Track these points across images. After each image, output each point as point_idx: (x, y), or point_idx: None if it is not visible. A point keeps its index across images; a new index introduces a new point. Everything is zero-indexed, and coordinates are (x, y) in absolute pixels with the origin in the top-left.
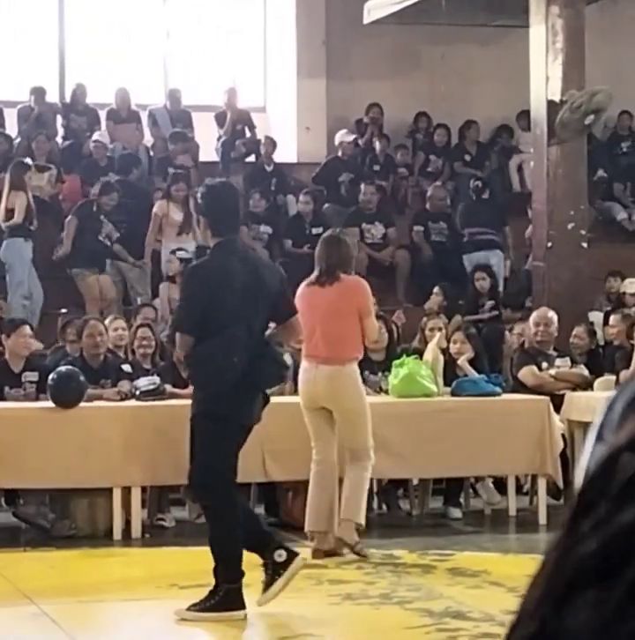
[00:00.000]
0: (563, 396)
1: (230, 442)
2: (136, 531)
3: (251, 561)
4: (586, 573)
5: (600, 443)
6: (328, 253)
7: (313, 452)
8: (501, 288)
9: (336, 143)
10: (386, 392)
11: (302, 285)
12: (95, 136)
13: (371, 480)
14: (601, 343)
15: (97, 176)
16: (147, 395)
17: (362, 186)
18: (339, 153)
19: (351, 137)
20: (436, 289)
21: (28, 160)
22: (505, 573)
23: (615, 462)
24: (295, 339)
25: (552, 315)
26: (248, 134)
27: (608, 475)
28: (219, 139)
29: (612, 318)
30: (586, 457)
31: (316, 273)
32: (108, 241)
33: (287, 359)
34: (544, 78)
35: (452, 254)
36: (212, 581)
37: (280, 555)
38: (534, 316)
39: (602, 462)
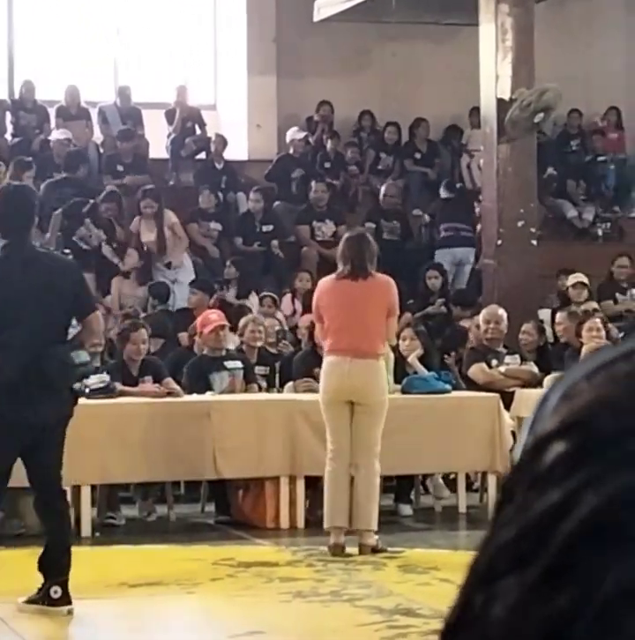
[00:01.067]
0: (513, 393)
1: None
2: (86, 529)
3: (202, 559)
4: (506, 559)
5: (531, 436)
6: (359, 248)
7: (330, 450)
8: (465, 285)
9: (287, 140)
10: None
11: (329, 278)
12: (55, 133)
13: (321, 477)
14: (551, 340)
15: (49, 173)
16: (97, 393)
17: (313, 184)
18: (291, 151)
19: (302, 135)
20: None
21: None
22: (455, 570)
23: (540, 450)
24: (93, 338)
25: (502, 312)
26: (198, 131)
27: (532, 463)
28: (169, 136)
29: (558, 316)
30: (519, 451)
31: (348, 268)
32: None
33: (84, 356)
34: (494, 77)
35: (408, 251)
36: (162, 579)
37: (56, 592)
38: (483, 313)
39: (528, 450)
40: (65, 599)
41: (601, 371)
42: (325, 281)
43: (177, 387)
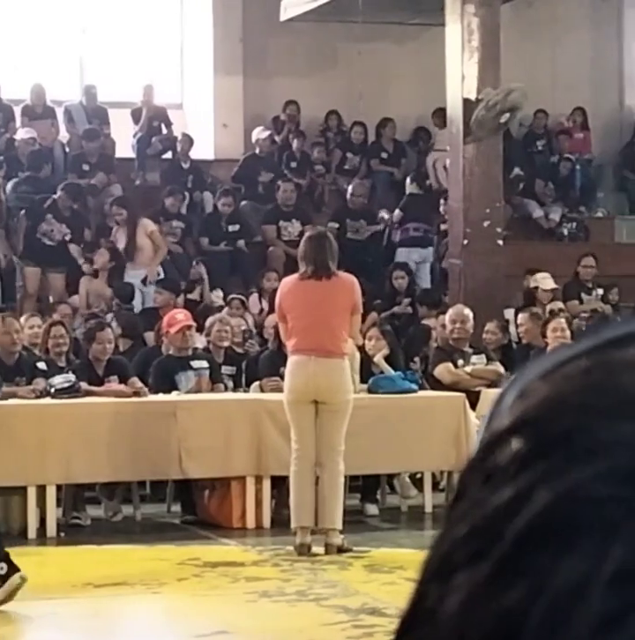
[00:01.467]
0: (478, 393)
1: None
2: (51, 529)
3: (168, 559)
4: (459, 555)
5: (486, 434)
6: (321, 248)
7: (294, 449)
8: (427, 285)
9: (253, 140)
10: None
11: (292, 278)
12: (20, 132)
13: (287, 477)
14: (515, 340)
15: (14, 172)
16: (62, 393)
17: (280, 183)
18: (257, 151)
19: (266, 134)
20: None
21: None
22: None
23: (493, 447)
24: None
25: (468, 312)
26: (164, 131)
27: (485, 459)
28: (135, 136)
29: (520, 317)
30: (474, 449)
31: (310, 268)
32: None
33: None
34: (460, 77)
35: (374, 251)
36: (127, 579)
37: (2, 568)
38: (450, 313)
39: (482, 447)
40: (13, 569)
41: (557, 370)
42: (288, 281)
43: (143, 387)
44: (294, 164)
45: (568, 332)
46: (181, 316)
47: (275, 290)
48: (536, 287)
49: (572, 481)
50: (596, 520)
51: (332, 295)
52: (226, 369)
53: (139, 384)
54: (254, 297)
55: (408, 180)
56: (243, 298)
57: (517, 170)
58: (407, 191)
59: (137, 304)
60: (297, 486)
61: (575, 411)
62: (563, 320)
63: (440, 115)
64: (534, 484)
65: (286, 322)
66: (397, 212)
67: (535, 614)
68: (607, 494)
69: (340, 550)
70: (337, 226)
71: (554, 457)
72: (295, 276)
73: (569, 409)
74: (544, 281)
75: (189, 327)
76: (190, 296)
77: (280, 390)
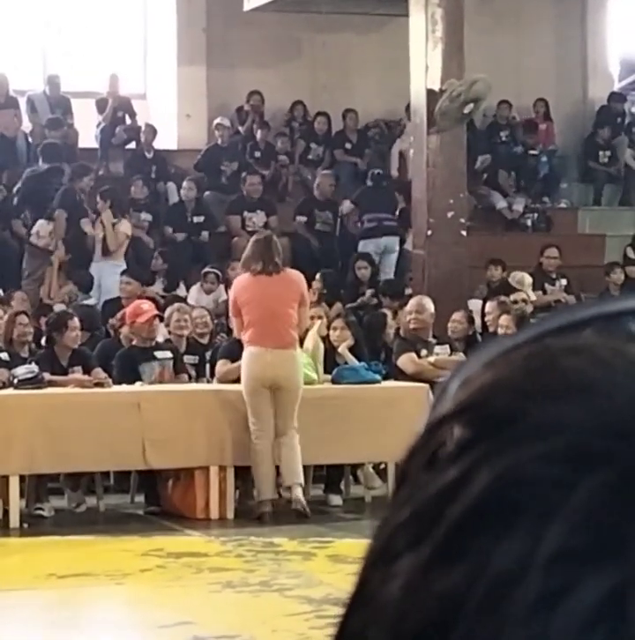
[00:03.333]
0: None
1: None
2: (14, 520)
3: (131, 550)
4: (402, 540)
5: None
6: (269, 247)
7: (255, 430)
8: (393, 275)
9: (214, 129)
10: None
11: (245, 276)
12: None
13: (251, 468)
14: (480, 331)
15: None
16: (26, 383)
17: (245, 175)
18: (218, 141)
19: (226, 123)
20: (317, 276)
21: None
22: None
23: (435, 431)
24: None
25: (426, 302)
26: (128, 121)
27: (427, 444)
28: (98, 126)
29: (488, 305)
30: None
31: (259, 265)
32: None
33: None
34: (424, 67)
35: (339, 241)
36: (91, 570)
37: None
38: (410, 303)
39: (424, 432)
40: None
41: (499, 358)
42: (242, 278)
43: (107, 377)
44: (258, 154)
45: (513, 329)
46: (146, 305)
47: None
48: (506, 279)
49: (511, 463)
50: (534, 501)
51: (283, 289)
52: (188, 359)
53: (103, 375)
54: (219, 288)
55: (376, 172)
56: (219, 272)
57: (480, 161)
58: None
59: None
60: (261, 462)
61: (515, 395)
62: (509, 317)
63: (405, 105)
64: (473, 467)
65: (240, 316)
66: (354, 201)
67: (474, 596)
68: (544, 476)
69: (304, 509)
70: (304, 219)
71: (493, 440)
72: (246, 274)
73: (509, 393)
74: (522, 280)
75: (156, 317)
76: (151, 288)
77: (231, 374)
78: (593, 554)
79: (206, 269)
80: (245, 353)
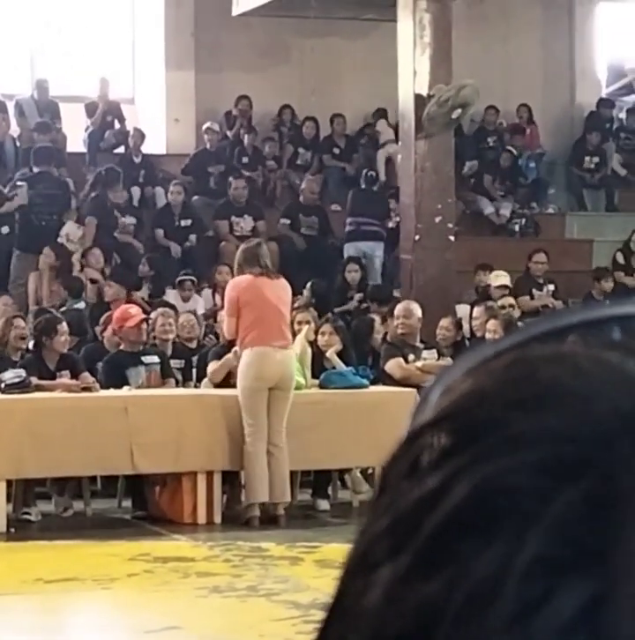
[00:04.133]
0: None
1: None
2: (1, 525)
3: (119, 554)
4: (381, 549)
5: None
6: (264, 253)
7: (251, 432)
8: (380, 280)
9: (203, 132)
10: None
11: (246, 277)
12: None
13: (238, 472)
14: (468, 336)
15: None
16: (13, 388)
17: (232, 180)
18: (207, 145)
19: (215, 127)
20: (307, 286)
21: None
22: None
23: (414, 440)
24: None
25: (414, 307)
26: (117, 125)
27: (407, 453)
28: (86, 130)
29: (476, 310)
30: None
31: (257, 269)
32: None
33: None
34: (412, 73)
35: (326, 246)
36: (78, 574)
37: None
38: (397, 308)
39: (404, 440)
40: None
41: (481, 367)
42: (243, 279)
43: (94, 381)
44: (245, 159)
45: (500, 334)
46: (134, 310)
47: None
48: (489, 285)
49: (490, 473)
50: (512, 511)
51: (281, 294)
52: (174, 363)
53: (91, 379)
54: (206, 292)
55: (370, 175)
56: (194, 279)
57: (468, 166)
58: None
59: None
60: (254, 463)
61: (494, 404)
62: (497, 322)
63: (394, 110)
64: (452, 476)
65: (236, 316)
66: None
67: (453, 606)
68: (523, 486)
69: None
70: (288, 222)
71: (473, 449)
72: (247, 275)
73: (488, 402)
74: (497, 278)
75: (144, 321)
76: (138, 293)
77: (220, 372)
78: (571, 563)
79: (181, 277)
80: (249, 353)
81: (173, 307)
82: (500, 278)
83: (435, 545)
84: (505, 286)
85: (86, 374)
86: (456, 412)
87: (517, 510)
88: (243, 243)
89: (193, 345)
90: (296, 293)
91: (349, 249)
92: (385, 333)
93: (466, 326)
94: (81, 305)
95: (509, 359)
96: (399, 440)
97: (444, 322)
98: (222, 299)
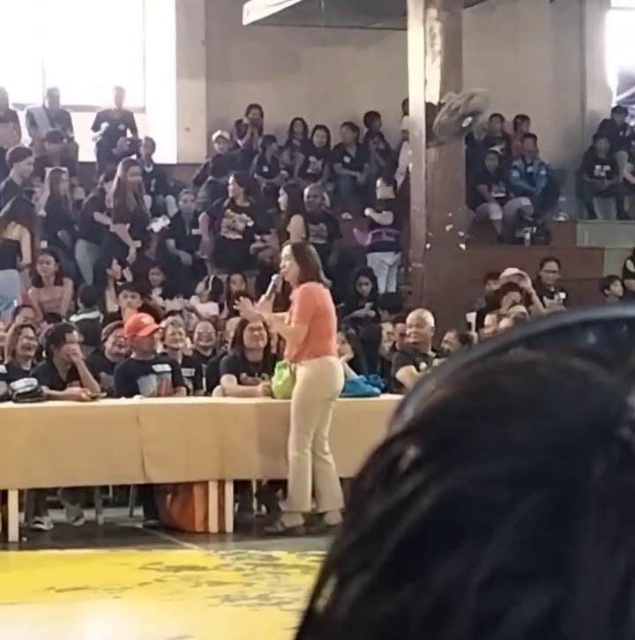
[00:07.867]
0: None
1: None
2: (13, 534)
3: (130, 563)
4: (351, 561)
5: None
6: (319, 261)
7: (306, 441)
8: (394, 289)
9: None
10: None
11: (317, 285)
12: None
13: (250, 481)
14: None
15: None
16: (25, 397)
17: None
18: (218, 152)
19: (225, 136)
20: None
21: None
22: None
23: (384, 451)
24: None
25: (426, 315)
26: (129, 134)
27: (376, 464)
28: (96, 139)
29: (487, 318)
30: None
31: (318, 277)
32: None
33: None
34: (422, 81)
35: (337, 254)
36: (89, 583)
37: None
38: (409, 317)
39: (371, 454)
40: None
41: (451, 377)
42: (317, 287)
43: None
44: (265, 168)
45: None
46: (146, 319)
47: (239, 293)
48: (497, 291)
49: (453, 485)
50: (474, 522)
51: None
52: (184, 371)
53: (97, 388)
54: (219, 298)
55: (379, 182)
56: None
57: (478, 174)
58: (378, 195)
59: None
60: (306, 473)
61: (458, 416)
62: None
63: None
64: (417, 489)
65: (309, 324)
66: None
67: (415, 618)
68: (484, 497)
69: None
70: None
71: (437, 461)
72: (315, 283)
73: (453, 414)
74: (508, 281)
75: (157, 330)
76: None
77: (251, 387)
78: (530, 573)
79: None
80: (321, 363)
81: (181, 314)
82: (511, 271)
83: (399, 558)
84: (519, 275)
85: (94, 383)
86: (422, 424)
87: (477, 522)
88: (300, 245)
89: (209, 353)
90: None
91: (372, 259)
92: (394, 342)
93: (473, 333)
94: (94, 314)
95: (476, 369)
96: (369, 452)
97: (449, 336)
98: (229, 308)
